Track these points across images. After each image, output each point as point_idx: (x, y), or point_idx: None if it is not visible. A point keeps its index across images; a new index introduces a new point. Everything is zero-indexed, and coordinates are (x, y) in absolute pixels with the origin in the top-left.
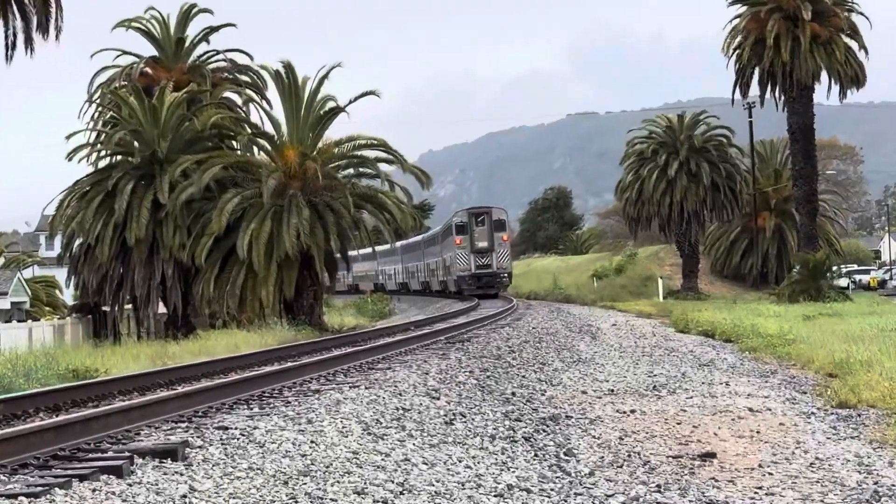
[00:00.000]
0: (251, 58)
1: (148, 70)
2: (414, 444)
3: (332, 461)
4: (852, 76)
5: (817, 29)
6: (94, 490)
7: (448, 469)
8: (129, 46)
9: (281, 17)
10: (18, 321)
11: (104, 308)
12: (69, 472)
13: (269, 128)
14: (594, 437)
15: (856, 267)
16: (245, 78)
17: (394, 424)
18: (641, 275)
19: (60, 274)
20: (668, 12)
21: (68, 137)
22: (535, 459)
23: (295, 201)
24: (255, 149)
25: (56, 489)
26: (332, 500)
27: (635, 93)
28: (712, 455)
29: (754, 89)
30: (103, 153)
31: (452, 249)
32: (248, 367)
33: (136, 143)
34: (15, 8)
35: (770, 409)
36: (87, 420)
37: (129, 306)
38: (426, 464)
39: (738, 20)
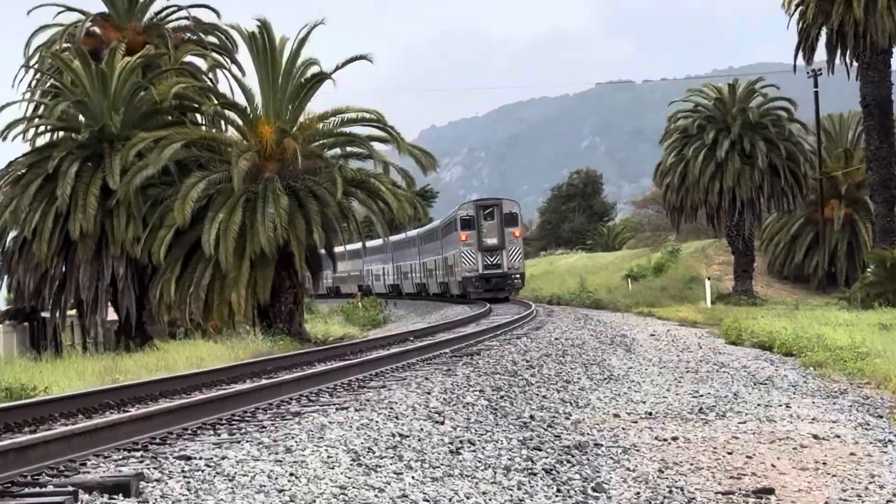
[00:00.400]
0: (219, 15)
1: (96, 30)
2: (413, 478)
3: (316, 498)
4: None
5: None
6: None
7: None
8: (72, 1)
9: None
10: None
11: (43, 314)
12: None
13: (240, 99)
14: (628, 469)
15: None
16: (212, 39)
17: (389, 454)
18: (685, 275)
19: None
20: None
21: (0, 110)
22: (557, 496)
23: (271, 187)
24: (224, 124)
25: None
26: None
27: (678, 57)
28: (769, 491)
29: (821, 54)
30: (42, 129)
31: (456, 247)
32: (215, 385)
33: (81, 117)
34: None
35: (839, 437)
36: (23, 448)
37: (74, 312)
38: (427, 501)
39: None
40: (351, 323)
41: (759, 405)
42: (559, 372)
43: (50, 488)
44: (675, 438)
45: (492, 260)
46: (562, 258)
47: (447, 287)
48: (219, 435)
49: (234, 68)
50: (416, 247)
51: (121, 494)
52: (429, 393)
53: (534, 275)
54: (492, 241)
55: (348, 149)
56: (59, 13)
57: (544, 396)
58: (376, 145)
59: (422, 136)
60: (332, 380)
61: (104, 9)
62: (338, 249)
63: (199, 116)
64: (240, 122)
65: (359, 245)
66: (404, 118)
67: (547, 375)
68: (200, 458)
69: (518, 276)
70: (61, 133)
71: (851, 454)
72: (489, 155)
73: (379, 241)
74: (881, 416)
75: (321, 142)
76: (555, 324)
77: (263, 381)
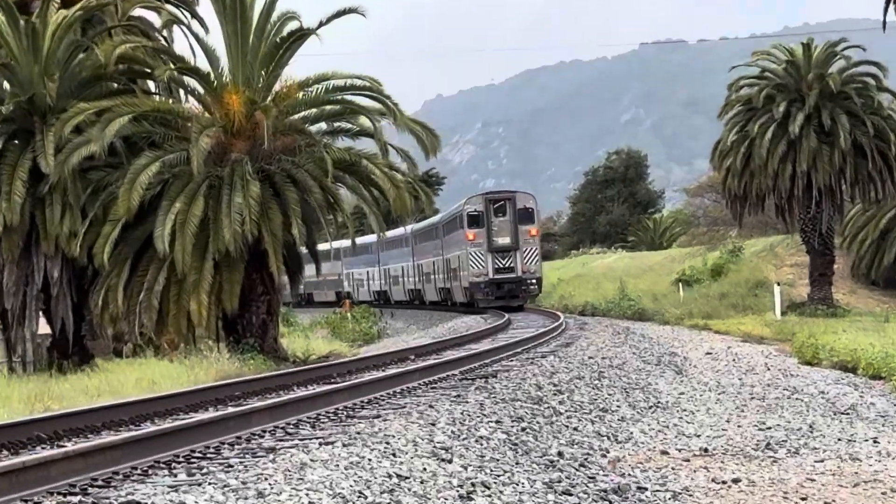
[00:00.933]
0: None
1: None
2: None
3: None
4: None
5: None
6: None
7: None
8: None
9: None
10: None
11: None
12: None
13: (202, 63)
14: None
15: None
16: None
17: (384, 499)
18: (749, 280)
19: None
20: None
21: None
22: None
23: (240, 170)
24: (183, 93)
25: None
26: None
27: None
28: None
29: None
30: None
31: (462, 247)
32: (170, 414)
33: (6, 85)
34: None
35: None
36: None
37: None
38: None
39: None
40: (338, 337)
41: (839, 440)
42: (594, 398)
43: None
44: (736, 481)
45: (504, 263)
46: (597, 258)
47: (449, 294)
48: (175, 475)
49: (195, 24)
50: (410, 246)
51: None
52: (433, 424)
53: (562, 279)
54: (504, 240)
55: (336, 124)
56: None
57: (575, 429)
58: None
59: (426, 108)
60: (315, 408)
61: None
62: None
63: (151, 84)
64: (201, 91)
65: (338, 244)
66: (404, 86)
67: (579, 403)
68: None
69: (534, 280)
70: None
71: None
72: (509, 131)
73: (364, 239)
74: None
75: (303, 114)
76: (588, 339)
77: (230, 410)
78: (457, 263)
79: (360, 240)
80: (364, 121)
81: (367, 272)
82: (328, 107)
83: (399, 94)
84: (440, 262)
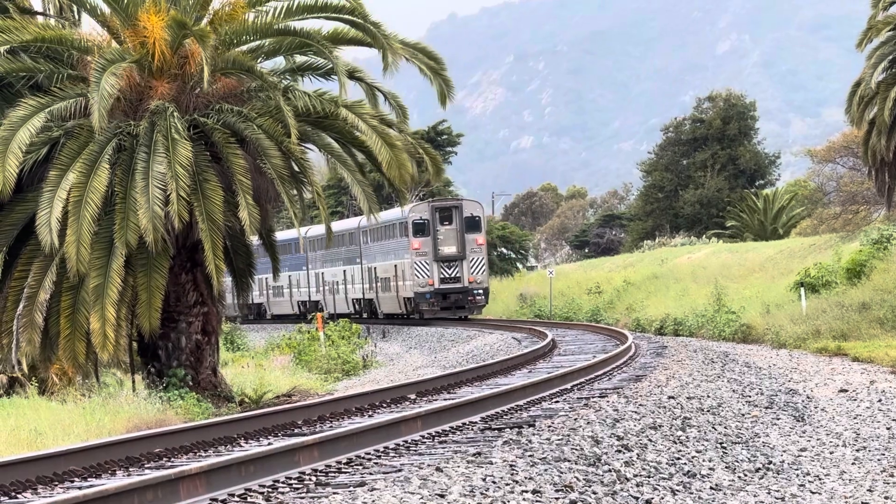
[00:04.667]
0: None
1: None
2: None
3: None
4: None
5: None
6: None
7: None
8: None
9: None
10: None
11: None
12: None
13: None
14: None
15: None
16: None
17: None
18: None
19: None
20: None
21: None
22: None
23: (163, 124)
24: (78, 12)
25: None
26: None
27: None
28: None
29: None
30: None
31: (404, 255)
32: (60, 482)
33: None
34: None
35: None
36: None
37: None
38: None
39: None
40: (305, 367)
41: None
42: (676, 458)
43: None
44: None
45: (450, 273)
46: (682, 252)
47: (377, 304)
48: None
49: None
50: (357, 244)
51: None
52: (442, 496)
53: (631, 282)
54: (450, 249)
55: (299, 57)
56: None
57: (649, 502)
58: (351, 52)
59: (434, 34)
60: (270, 471)
61: None
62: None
63: (35, 0)
64: (106, 10)
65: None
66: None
67: (654, 464)
68: None
69: (481, 291)
70: None
71: None
72: (553, 67)
73: (287, 234)
74: None
75: (254, 44)
76: (669, 370)
77: (148, 475)
78: (398, 272)
79: (284, 235)
80: (342, 54)
81: (289, 278)
82: (287, 37)
83: (395, 14)
84: (369, 271)
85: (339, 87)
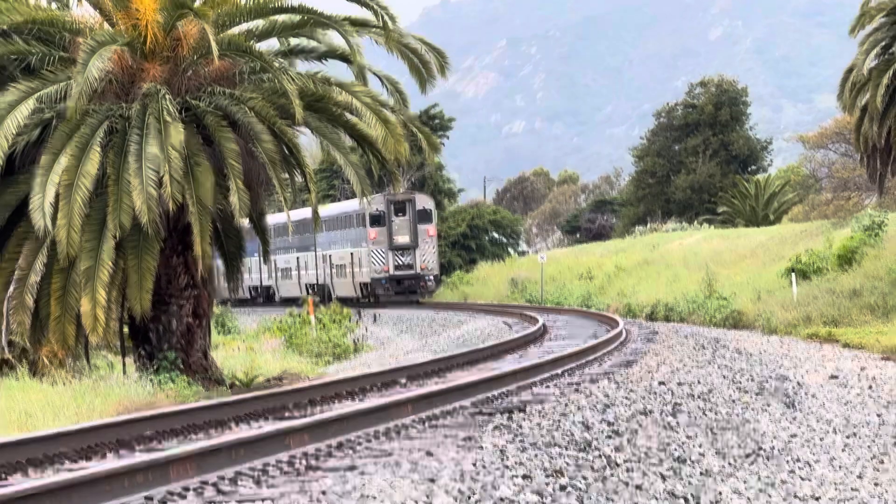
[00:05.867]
0: None
1: None
2: None
3: None
4: None
5: None
6: None
7: None
8: None
9: None
10: None
11: None
12: None
13: None
14: None
15: None
16: None
17: None
18: (894, 270)
19: None
20: None
21: None
22: None
23: (155, 107)
24: None
25: None
26: None
27: None
28: None
29: None
30: None
31: (361, 244)
32: (50, 464)
33: None
34: None
35: None
36: None
37: None
38: None
39: None
40: (296, 350)
41: None
42: (666, 443)
43: None
44: None
45: (404, 260)
46: (673, 238)
47: (331, 289)
48: None
49: None
50: (300, 234)
51: None
52: (432, 482)
53: (622, 267)
54: (404, 239)
55: (293, 39)
56: None
57: (639, 487)
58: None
59: (426, 19)
60: (261, 454)
61: None
62: None
63: None
64: None
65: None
66: None
67: (644, 449)
68: None
69: (431, 277)
70: None
71: None
72: (546, 51)
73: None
74: None
75: (246, 26)
76: (659, 355)
77: (138, 459)
78: (355, 259)
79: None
80: (335, 37)
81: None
82: (281, 16)
83: None
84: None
85: (353, 65)
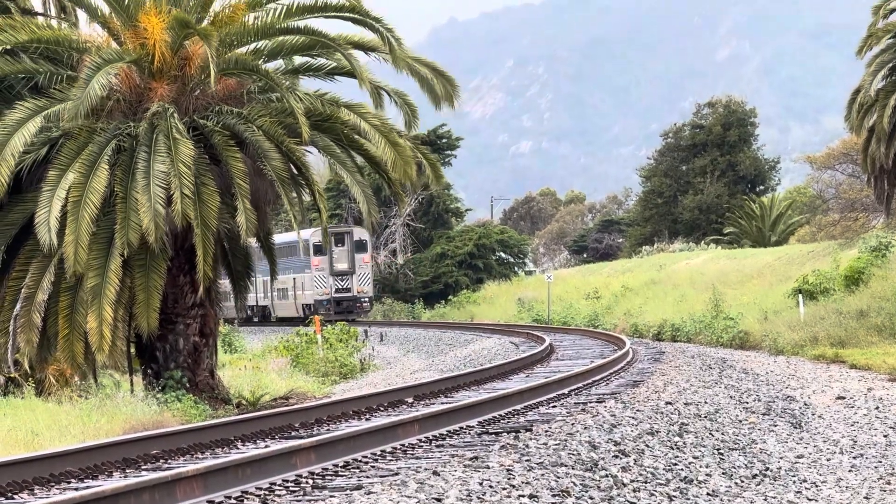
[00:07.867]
0: None
1: None
2: None
3: None
4: None
5: None
6: None
7: None
8: None
9: None
10: None
11: None
12: None
13: None
14: None
15: None
16: None
17: None
18: None
19: None
20: None
21: None
22: None
23: (163, 125)
24: (77, 13)
25: None
26: None
27: None
28: None
29: None
30: None
31: (304, 270)
32: (57, 482)
33: None
34: None
35: None
36: None
37: None
38: None
39: None
40: (302, 370)
41: None
42: (673, 463)
43: None
44: None
45: (343, 284)
46: (680, 258)
47: (271, 310)
48: None
49: None
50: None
51: None
52: (439, 500)
53: (629, 287)
54: (343, 266)
55: (299, 58)
56: None
57: None
58: (358, 57)
59: (434, 38)
60: (267, 474)
61: None
62: None
63: (35, 1)
64: (106, 11)
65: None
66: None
67: (651, 470)
68: None
69: (366, 299)
70: None
71: None
72: (553, 72)
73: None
74: None
75: (254, 46)
76: (666, 375)
77: (144, 477)
78: (298, 284)
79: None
80: (342, 56)
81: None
82: (289, 37)
83: (395, 18)
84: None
85: (359, 84)
